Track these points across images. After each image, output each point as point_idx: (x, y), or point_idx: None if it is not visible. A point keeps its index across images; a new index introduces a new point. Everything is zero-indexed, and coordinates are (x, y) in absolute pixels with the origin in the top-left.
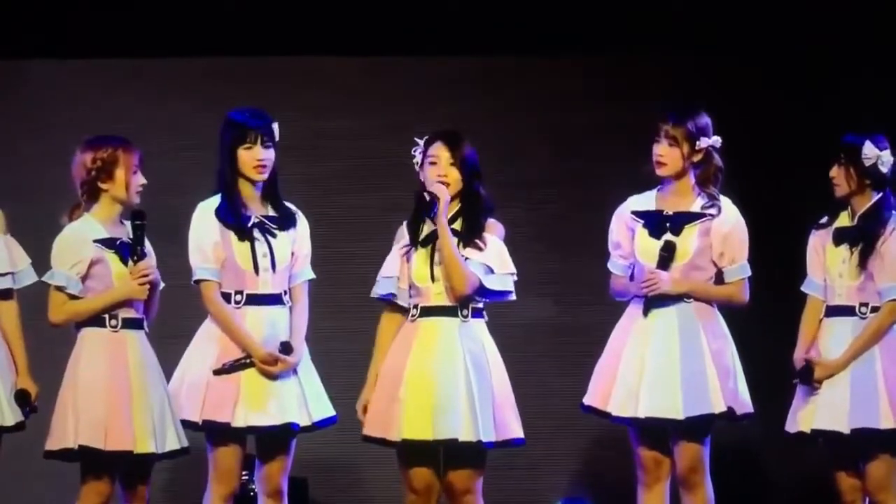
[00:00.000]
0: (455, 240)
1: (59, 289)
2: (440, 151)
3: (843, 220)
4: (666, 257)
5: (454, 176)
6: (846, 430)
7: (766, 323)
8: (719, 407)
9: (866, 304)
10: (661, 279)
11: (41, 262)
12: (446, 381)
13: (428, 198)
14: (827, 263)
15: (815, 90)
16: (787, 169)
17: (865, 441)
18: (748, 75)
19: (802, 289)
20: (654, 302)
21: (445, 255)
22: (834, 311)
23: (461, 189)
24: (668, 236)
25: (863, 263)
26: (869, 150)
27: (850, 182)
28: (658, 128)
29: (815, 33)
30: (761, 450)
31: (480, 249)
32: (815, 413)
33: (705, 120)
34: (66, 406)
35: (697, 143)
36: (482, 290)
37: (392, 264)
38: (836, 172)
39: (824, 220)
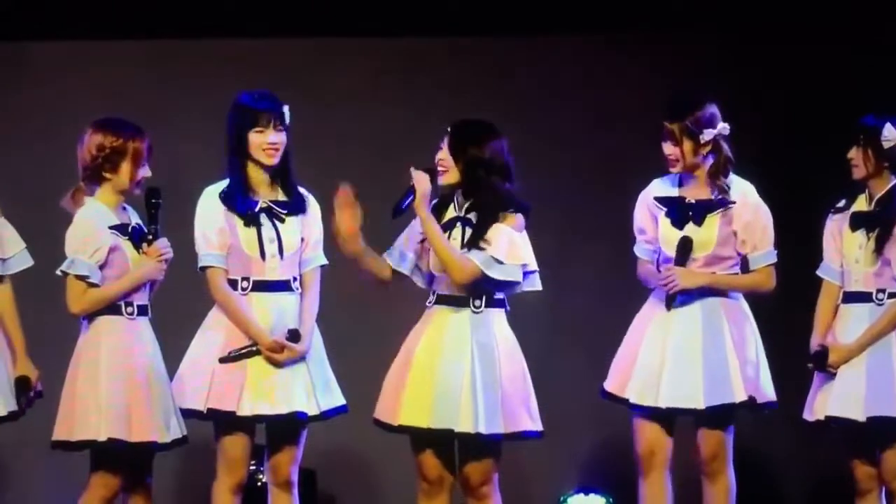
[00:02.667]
0: (453, 229)
1: (81, 278)
2: (446, 139)
3: (861, 204)
4: (683, 254)
5: (452, 165)
6: (861, 418)
7: (785, 311)
8: (740, 396)
9: (883, 291)
10: (678, 276)
11: (41, 246)
12: (449, 370)
13: (409, 186)
14: (843, 249)
15: (837, 71)
16: (806, 152)
17: (881, 429)
18: (768, 57)
19: (818, 273)
20: (675, 298)
21: (433, 247)
22: (850, 297)
23: (462, 180)
24: (686, 231)
25: (879, 249)
26: (889, 133)
27: (867, 164)
28: (662, 125)
29: (837, 13)
30: (783, 439)
31: (488, 243)
32: (831, 400)
33: (708, 111)
34: (85, 396)
35: (701, 136)
36: (487, 280)
37: (409, 242)
38: (854, 154)
39: (842, 203)
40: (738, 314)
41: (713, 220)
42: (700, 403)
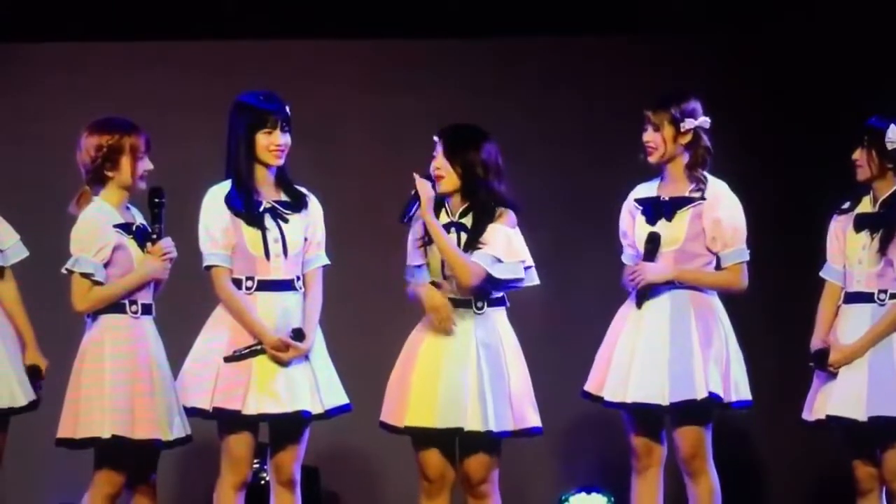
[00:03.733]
0: (446, 233)
1: (85, 276)
2: (439, 145)
3: (865, 205)
4: (650, 249)
5: (449, 169)
6: (863, 418)
7: (787, 311)
8: (702, 393)
9: (885, 291)
10: (644, 270)
11: (44, 245)
12: (454, 371)
13: (412, 193)
14: (847, 249)
15: (841, 73)
16: (809, 153)
17: (883, 429)
18: (770, 58)
19: (821, 274)
20: (645, 294)
21: (441, 251)
22: (852, 297)
23: (461, 184)
24: (657, 227)
25: (883, 250)
26: (893, 134)
27: (872, 166)
28: (644, 115)
29: (842, 14)
30: (785, 439)
31: (485, 243)
32: (832, 400)
33: (691, 104)
34: (90, 394)
35: (682, 125)
36: (491, 280)
37: (413, 254)
38: (858, 155)
39: (846, 205)
40: (706, 310)
41: (683, 216)
42: (665, 399)
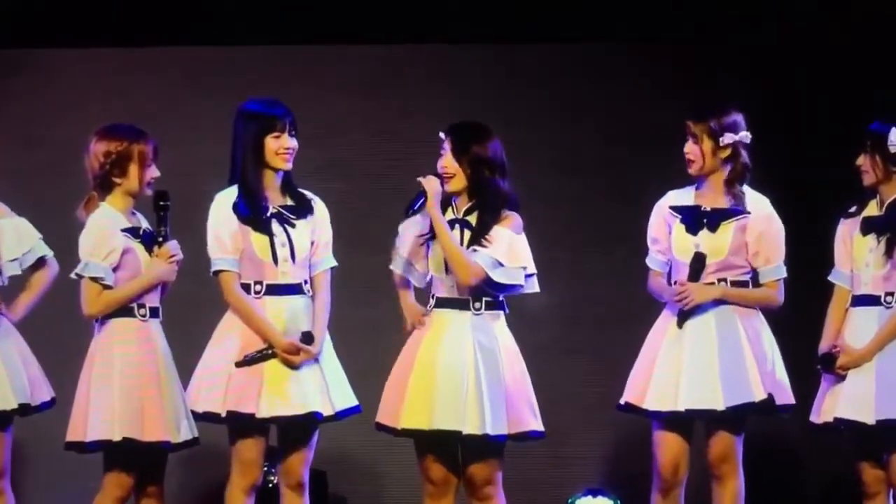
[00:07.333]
0: (451, 231)
1: (95, 280)
2: (446, 143)
3: (872, 209)
4: (696, 269)
5: (457, 168)
6: (871, 421)
7: (797, 316)
8: (759, 395)
9: (892, 294)
10: (693, 292)
11: (60, 250)
12: (451, 372)
13: (419, 189)
14: (854, 253)
15: (845, 77)
16: (815, 158)
17: (890, 432)
18: (772, 64)
19: (829, 279)
20: (689, 314)
21: (443, 247)
22: (860, 300)
23: (469, 182)
24: (700, 237)
25: (890, 252)
26: (895, 137)
27: (876, 170)
28: (684, 126)
29: (844, 22)
30: (796, 441)
31: (489, 243)
32: (840, 402)
33: (733, 117)
34: (99, 398)
35: (721, 139)
36: (490, 283)
37: (404, 243)
38: (862, 160)
39: (853, 209)
40: (752, 318)
41: (727, 228)
42: (719, 404)
